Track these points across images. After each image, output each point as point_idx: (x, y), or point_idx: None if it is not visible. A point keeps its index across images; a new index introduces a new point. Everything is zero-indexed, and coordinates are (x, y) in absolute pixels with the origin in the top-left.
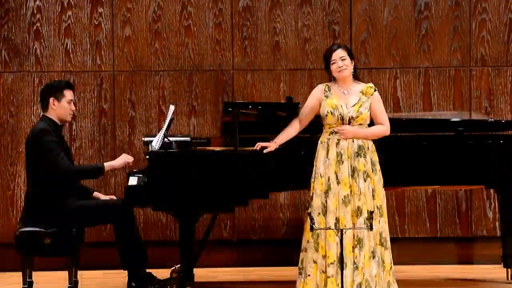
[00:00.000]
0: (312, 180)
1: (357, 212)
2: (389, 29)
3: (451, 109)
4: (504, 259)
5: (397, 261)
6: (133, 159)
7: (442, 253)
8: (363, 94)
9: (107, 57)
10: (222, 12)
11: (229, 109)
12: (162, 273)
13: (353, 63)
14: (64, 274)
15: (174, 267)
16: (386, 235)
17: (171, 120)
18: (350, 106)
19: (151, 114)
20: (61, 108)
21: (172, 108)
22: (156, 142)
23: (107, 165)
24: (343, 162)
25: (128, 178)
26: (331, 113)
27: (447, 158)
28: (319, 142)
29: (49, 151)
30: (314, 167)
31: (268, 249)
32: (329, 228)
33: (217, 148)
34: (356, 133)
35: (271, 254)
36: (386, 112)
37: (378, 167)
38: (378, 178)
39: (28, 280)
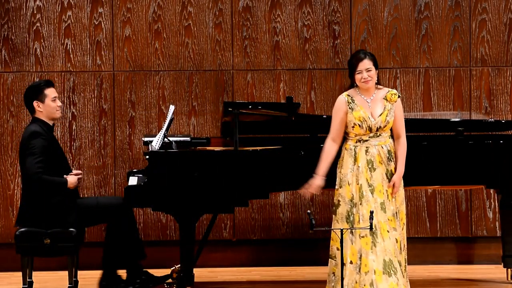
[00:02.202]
0: (337, 187)
1: (395, 215)
2: (389, 29)
3: (451, 109)
4: (504, 259)
5: None
6: (80, 172)
7: (442, 253)
8: (387, 101)
9: (107, 57)
10: (222, 12)
11: (229, 109)
12: (161, 273)
13: (377, 71)
14: (64, 274)
15: (174, 267)
16: (403, 239)
17: (171, 120)
18: (377, 116)
19: (151, 114)
20: (47, 107)
21: (172, 108)
22: (156, 142)
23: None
24: (375, 169)
25: (128, 178)
26: (359, 125)
27: (447, 158)
28: (343, 148)
29: (30, 154)
30: (339, 173)
31: (268, 249)
32: (330, 229)
33: (217, 148)
34: (402, 172)
35: (271, 254)
36: None
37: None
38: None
39: (28, 280)
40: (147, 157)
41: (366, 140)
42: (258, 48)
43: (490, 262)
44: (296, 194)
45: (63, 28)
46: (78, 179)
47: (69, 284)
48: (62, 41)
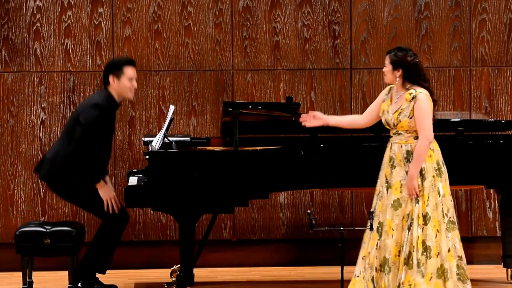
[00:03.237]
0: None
1: (405, 217)
2: (389, 29)
3: (451, 109)
4: (504, 259)
5: None
6: (114, 197)
7: None
8: (406, 100)
9: (107, 57)
10: (222, 12)
11: (229, 109)
12: (161, 273)
13: (401, 71)
14: (65, 274)
15: (174, 267)
16: (430, 242)
17: (171, 120)
18: (392, 112)
19: (151, 114)
20: (121, 85)
21: (172, 108)
22: (156, 142)
23: (99, 184)
24: (395, 166)
25: (128, 178)
26: (381, 117)
27: (447, 158)
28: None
29: (85, 126)
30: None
31: (268, 249)
32: (332, 228)
33: (217, 148)
34: (414, 175)
35: (271, 254)
36: None
37: (432, 172)
38: (427, 183)
39: (28, 280)
40: (147, 157)
41: (391, 137)
42: (258, 48)
43: (490, 262)
44: (296, 194)
45: (63, 28)
46: (106, 200)
47: (69, 284)
48: (62, 41)
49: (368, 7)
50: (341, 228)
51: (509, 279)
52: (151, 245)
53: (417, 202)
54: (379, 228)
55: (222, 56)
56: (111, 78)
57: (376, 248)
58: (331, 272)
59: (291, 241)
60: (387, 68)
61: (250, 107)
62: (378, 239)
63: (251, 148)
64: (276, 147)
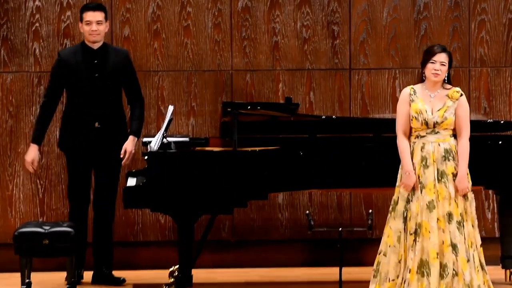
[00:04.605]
0: (398, 184)
1: (448, 217)
2: (388, 29)
3: None
4: (503, 260)
5: None
6: (33, 169)
7: None
8: (449, 98)
9: None
10: (221, 13)
11: (228, 109)
12: (159, 274)
13: (450, 71)
14: (63, 274)
15: (172, 268)
16: (473, 238)
17: (170, 120)
18: (435, 110)
19: (150, 114)
20: (82, 30)
21: (171, 108)
22: (155, 143)
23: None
24: (428, 166)
25: (127, 178)
26: (416, 118)
27: None
28: None
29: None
30: (400, 170)
31: (266, 249)
32: (331, 229)
33: (216, 149)
34: (465, 174)
35: (269, 254)
36: (386, 112)
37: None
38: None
39: (26, 280)
40: (146, 157)
41: (424, 136)
42: (257, 49)
43: (489, 263)
44: (294, 194)
45: (62, 28)
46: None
47: (67, 284)
48: (61, 41)
49: (367, 8)
50: (340, 228)
51: (508, 280)
52: (149, 246)
53: (458, 200)
54: (417, 229)
55: (221, 56)
56: (79, 25)
57: (412, 250)
58: (330, 273)
59: (290, 241)
60: (446, 67)
61: (249, 107)
62: (415, 241)
63: (250, 149)
64: (275, 147)
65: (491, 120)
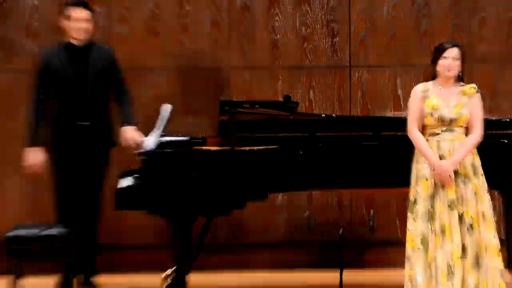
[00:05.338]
0: (413, 184)
1: (460, 219)
2: (388, 27)
3: None
4: (510, 262)
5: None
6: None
7: None
8: (464, 94)
9: None
10: (219, 10)
11: (226, 108)
12: (153, 279)
13: (462, 66)
14: (55, 277)
15: (168, 271)
16: (489, 242)
17: (168, 119)
18: (451, 107)
19: (147, 113)
20: (66, 26)
21: (168, 107)
22: (152, 142)
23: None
24: None
25: (121, 179)
26: (431, 114)
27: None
28: None
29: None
30: (414, 169)
31: (265, 251)
32: (331, 230)
33: (214, 148)
34: (455, 162)
35: (268, 256)
36: (387, 111)
37: (480, 170)
38: (480, 182)
39: (19, 283)
40: (142, 157)
41: (438, 134)
42: (255, 47)
43: None
44: (294, 195)
45: (58, 26)
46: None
47: (60, 287)
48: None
49: (367, 5)
50: (341, 229)
51: None
52: (144, 249)
53: (475, 201)
54: (443, 230)
55: (219, 54)
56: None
57: (441, 251)
58: (330, 275)
59: (289, 243)
60: (459, 62)
61: (247, 106)
62: (442, 241)
63: (248, 148)
64: (274, 146)
65: (493, 119)
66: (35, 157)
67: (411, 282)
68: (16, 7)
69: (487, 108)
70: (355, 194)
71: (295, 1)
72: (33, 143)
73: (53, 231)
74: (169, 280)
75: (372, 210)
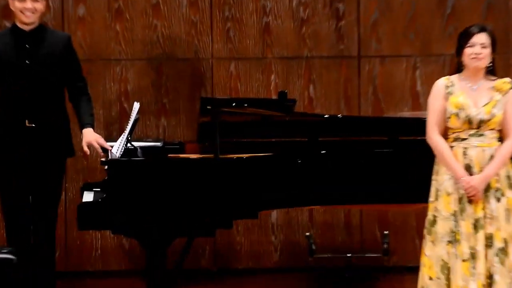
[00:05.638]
0: (432, 199)
1: (488, 240)
2: (406, 7)
3: None
4: None
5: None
6: None
7: None
8: (496, 90)
9: None
10: None
11: (208, 107)
12: None
13: (493, 55)
14: None
15: None
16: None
17: (136, 120)
18: (481, 105)
19: (111, 113)
20: (12, 7)
21: (137, 106)
22: (117, 148)
23: None
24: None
25: (82, 193)
26: (457, 114)
27: None
28: None
29: None
30: (434, 182)
31: (256, 280)
32: (337, 255)
33: (193, 156)
34: (488, 178)
35: (260, 286)
36: (403, 109)
37: None
38: None
39: None
40: (106, 167)
41: (465, 139)
42: (243, 32)
43: None
44: (291, 212)
45: (2, 7)
46: None
47: None
48: (3, 23)
49: None
50: (349, 254)
51: None
52: (111, 276)
53: (509, 220)
54: (473, 253)
55: (199, 41)
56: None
57: (472, 279)
58: None
59: (286, 270)
60: (489, 49)
61: (234, 104)
62: (473, 267)
63: (235, 156)
64: (267, 154)
65: None
66: None
67: None
68: None
69: None
70: (365, 212)
71: None
72: None
73: (1, 255)
74: None
75: (386, 231)
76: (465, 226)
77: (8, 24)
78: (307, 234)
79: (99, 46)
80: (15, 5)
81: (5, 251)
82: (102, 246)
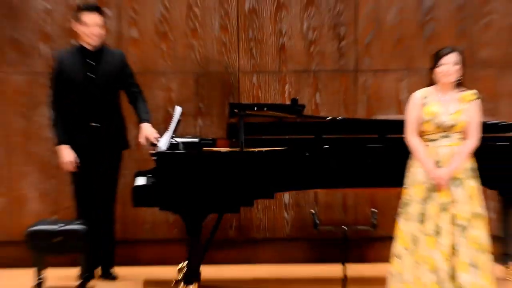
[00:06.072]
0: (407, 186)
1: (454, 220)
2: (394, 31)
3: None
4: (506, 258)
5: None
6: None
7: None
8: (464, 100)
9: None
10: (228, 14)
11: (235, 110)
12: (168, 270)
13: (461, 71)
14: (76, 270)
15: (181, 264)
16: (483, 241)
17: (179, 121)
18: (450, 113)
19: (158, 116)
20: (80, 31)
21: (179, 109)
22: (163, 143)
23: (60, 147)
24: (440, 168)
25: (136, 178)
26: (429, 121)
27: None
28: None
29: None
30: (409, 173)
31: (272, 248)
32: (336, 228)
33: (223, 149)
34: (452, 171)
35: (275, 252)
36: (391, 113)
37: (475, 173)
38: (475, 185)
39: (40, 276)
40: (155, 158)
41: (435, 140)
42: (263, 50)
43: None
44: (300, 194)
45: (71, 29)
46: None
47: (80, 279)
48: (69, 42)
49: (373, 9)
50: (345, 227)
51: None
52: (159, 243)
53: (469, 204)
54: (437, 230)
55: (228, 58)
56: (73, 25)
57: (436, 251)
58: (334, 269)
59: (295, 240)
60: (458, 66)
61: (255, 108)
62: (438, 242)
63: (256, 149)
64: (281, 148)
65: (493, 122)
66: (69, 154)
67: (400, 278)
68: (30, 11)
69: (488, 112)
70: (358, 194)
71: (302, 4)
72: (62, 142)
73: (72, 226)
74: (183, 272)
75: (375, 209)
76: (431, 209)
77: (75, 44)
78: (312, 211)
79: (148, 62)
80: (84, 31)
81: (77, 223)
82: (151, 220)
